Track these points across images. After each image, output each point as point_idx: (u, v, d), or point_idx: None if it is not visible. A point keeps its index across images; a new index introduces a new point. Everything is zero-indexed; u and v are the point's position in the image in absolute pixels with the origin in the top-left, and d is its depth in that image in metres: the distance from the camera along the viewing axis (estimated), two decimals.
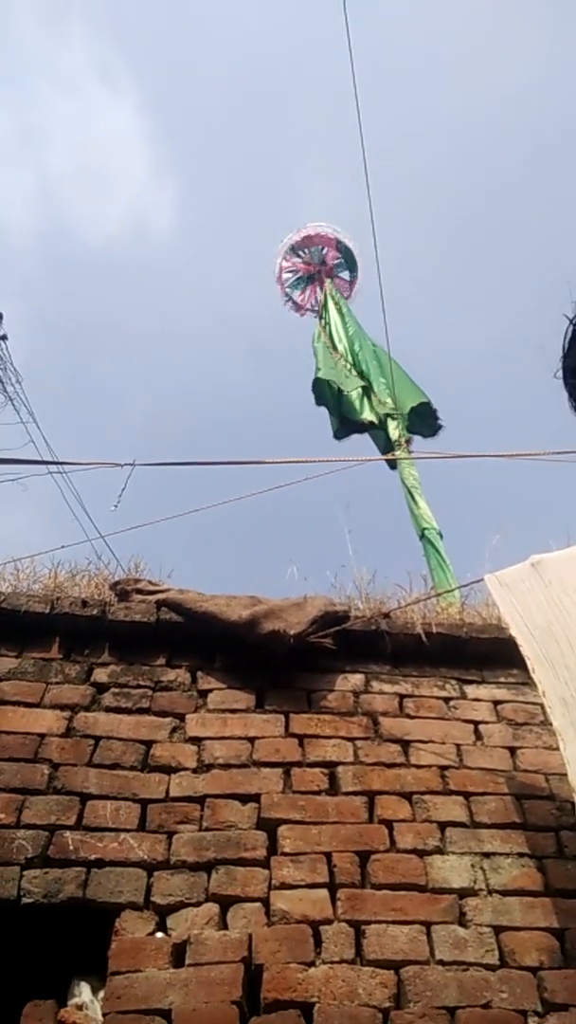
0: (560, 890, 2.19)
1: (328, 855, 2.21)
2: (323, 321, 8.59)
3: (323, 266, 9.85)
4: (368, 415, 7.25)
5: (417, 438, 7.20)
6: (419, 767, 2.48)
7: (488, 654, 2.85)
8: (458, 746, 2.57)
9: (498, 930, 2.09)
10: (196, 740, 2.50)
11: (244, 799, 2.34)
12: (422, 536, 6.03)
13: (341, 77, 5.77)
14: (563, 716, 2.17)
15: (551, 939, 2.08)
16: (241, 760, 2.45)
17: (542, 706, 2.39)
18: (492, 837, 2.31)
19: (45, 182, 29.42)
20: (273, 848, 2.23)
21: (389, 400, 7.14)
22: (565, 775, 2.13)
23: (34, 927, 2.10)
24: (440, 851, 2.25)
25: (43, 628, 2.79)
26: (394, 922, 2.08)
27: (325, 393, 7.57)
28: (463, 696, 2.76)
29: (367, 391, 7.39)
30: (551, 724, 2.23)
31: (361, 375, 7.60)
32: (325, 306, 8.85)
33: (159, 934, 2.04)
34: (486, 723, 2.67)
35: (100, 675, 2.69)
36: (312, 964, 1.98)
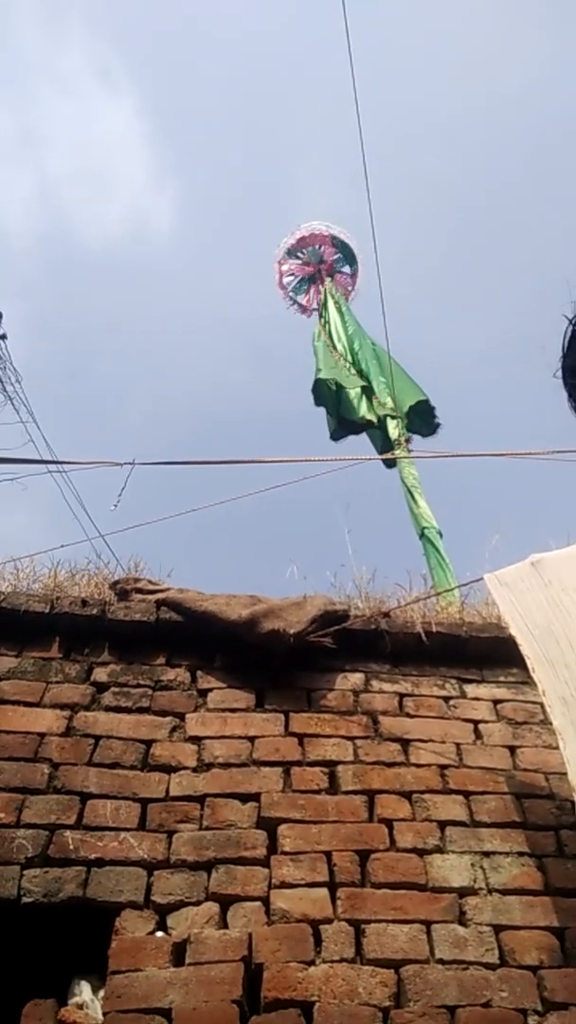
0: (560, 889, 2.19)
1: (328, 854, 2.21)
2: (323, 320, 8.59)
3: (322, 264, 9.85)
4: (367, 414, 7.25)
5: (416, 437, 7.20)
6: (419, 766, 2.48)
7: (488, 653, 2.85)
8: (458, 745, 2.57)
9: (498, 929, 2.09)
10: (196, 739, 2.50)
11: (244, 798, 2.34)
12: (422, 535, 6.03)
13: (341, 77, 5.78)
14: (563, 715, 2.18)
15: (551, 938, 2.08)
16: (241, 759, 2.45)
17: (542, 705, 2.39)
18: (492, 836, 2.31)
19: (45, 183, 29.45)
20: (273, 847, 2.23)
21: (389, 400, 7.14)
22: (565, 774, 2.13)
23: (34, 926, 2.10)
24: (440, 850, 2.25)
25: (43, 627, 2.79)
26: (394, 921, 2.08)
27: (325, 394, 7.57)
28: (463, 695, 2.76)
29: (366, 391, 7.39)
30: (551, 723, 2.23)
31: (361, 374, 7.60)
32: (325, 305, 8.86)
33: (159, 933, 2.04)
34: (486, 722, 2.67)
35: (100, 674, 2.69)
36: (312, 963, 1.98)
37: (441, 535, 5.98)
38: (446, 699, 2.74)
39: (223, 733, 2.53)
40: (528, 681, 2.58)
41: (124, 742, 2.47)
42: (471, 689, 2.79)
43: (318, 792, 2.38)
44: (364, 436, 7.58)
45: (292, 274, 10.05)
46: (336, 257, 9.90)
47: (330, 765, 2.46)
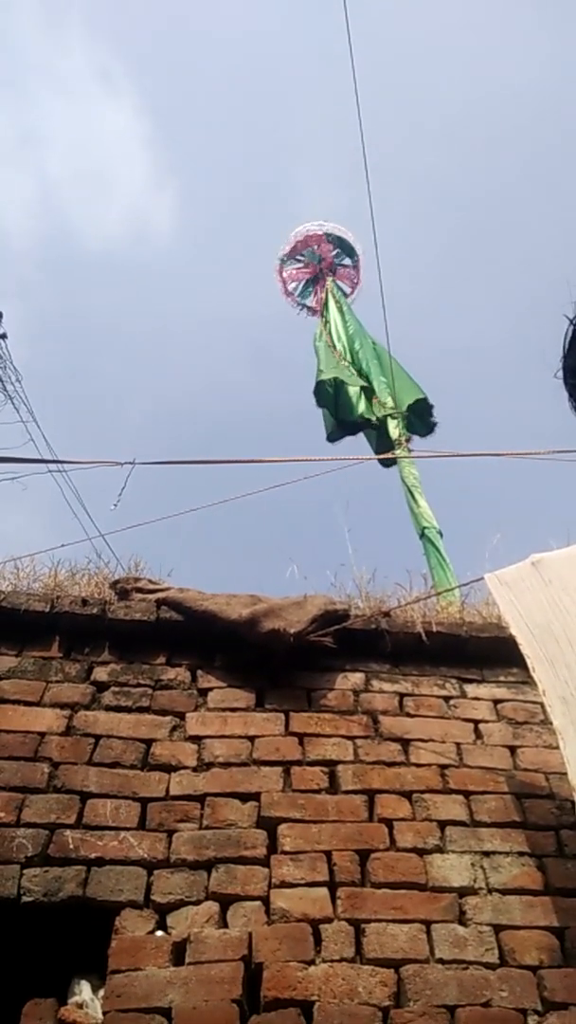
0: (560, 889, 2.19)
1: (328, 854, 2.21)
2: (324, 320, 8.59)
3: (322, 263, 9.84)
4: (365, 413, 7.26)
5: (415, 437, 7.20)
6: (419, 766, 2.48)
7: (488, 653, 2.85)
8: (458, 745, 2.57)
9: (498, 929, 2.09)
10: (196, 739, 2.50)
11: (244, 798, 2.34)
12: (422, 535, 6.03)
13: (341, 77, 5.78)
14: (563, 715, 2.17)
15: (551, 938, 2.08)
16: (241, 759, 2.45)
17: (542, 705, 2.39)
18: (492, 836, 2.31)
19: (45, 184, 29.44)
20: (273, 847, 2.23)
21: (389, 400, 7.14)
22: (565, 774, 2.13)
23: (34, 926, 2.10)
24: (440, 850, 2.25)
25: (43, 627, 2.79)
26: (394, 921, 2.08)
27: (325, 395, 7.57)
28: (463, 695, 2.76)
29: (366, 391, 7.39)
30: (551, 723, 2.23)
31: (361, 374, 7.60)
32: (326, 305, 8.85)
33: (159, 933, 2.04)
34: (486, 722, 2.67)
35: (100, 674, 2.69)
36: (312, 963, 1.98)
37: (441, 535, 5.97)
38: (446, 699, 2.74)
39: (223, 732, 2.53)
40: (528, 681, 2.57)
41: (124, 741, 2.47)
42: (471, 689, 2.79)
43: (318, 792, 2.38)
44: (361, 436, 7.58)
45: (296, 280, 10.02)
46: (334, 253, 9.89)
47: (330, 765, 2.46)
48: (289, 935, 2.03)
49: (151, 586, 2.98)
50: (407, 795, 2.39)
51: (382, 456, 6.75)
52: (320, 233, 9.94)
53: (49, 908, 2.07)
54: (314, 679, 2.74)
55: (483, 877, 2.20)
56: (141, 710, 2.58)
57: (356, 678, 2.78)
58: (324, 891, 2.14)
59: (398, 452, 6.60)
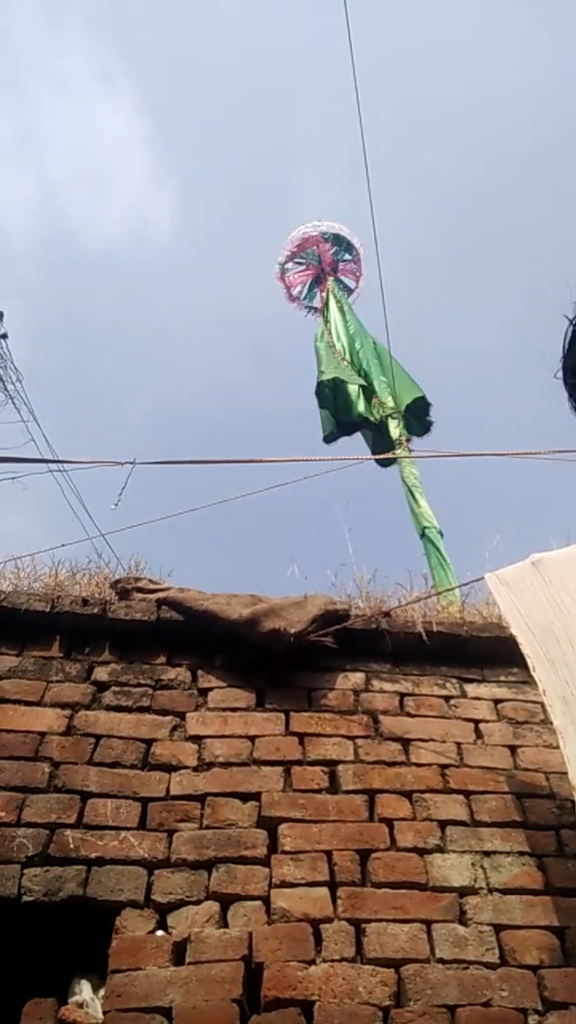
0: (560, 888, 2.19)
1: (328, 853, 2.21)
2: (325, 319, 8.59)
3: (323, 263, 9.84)
4: (363, 412, 7.26)
5: (414, 437, 7.19)
6: (419, 766, 2.48)
7: (488, 653, 2.85)
8: (458, 745, 2.57)
9: (498, 928, 2.09)
10: (196, 738, 2.50)
11: (244, 797, 2.34)
12: (423, 535, 6.03)
13: (341, 76, 5.77)
14: (563, 714, 2.17)
15: (551, 937, 2.08)
16: (241, 758, 2.45)
17: (542, 705, 2.39)
18: (492, 836, 2.31)
19: (45, 185, 29.43)
20: (273, 846, 2.23)
21: (390, 399, 7.14)
22: (565, 773, 2.13)
23: (34, 925, 2.10)
24: (440, 850, 2.25)
25: (44, 627, 2.79)
26: (394, 920, 2.08)
27: (326, 396, 7.56)
28: (463, 695, 2.76)
29: (366, 391, 7.39)
30: (551, 723, 2.23)
31: (361, 373, 7.60)
32: (327, 305, 8.85)
33: (159, 932, 2.04)
34: (486, 722, 2.67)
35: (101, 673, 2.69)
36: (312, 962, 1.98)
37: (442, 535, 5.97)
38: (447, 699, 2.74)
39: (224, 732, 2.53)
40: (529, 681, 2.58)
41: (125, 741, 2.47)
42: (472, 689, 2.79)
43: (319, 791, 2.38)
44: (359, 436, 7.58)
45: (299, 283, 10.00)
46: (333, 251, 9.88)
47: (331, 764, 2.46)
48: (289, 935, 2.03)
49: (151, 586, 2.98)
50: (407, 795, 2.39)
51: (383, 456, 6.74)
52: (316, 234, 9.94)
53: (49, 908, 2.07)
54: (314, 679, 2.75)
55: (483, 877, 2.20)
56: (141, 710, 2.58)
57: (356, 678, 2.78)
58: (324, 891, 2.14)
59: (398, 452, 6.60)
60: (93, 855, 2.15)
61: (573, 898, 2.17)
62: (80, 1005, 1.94)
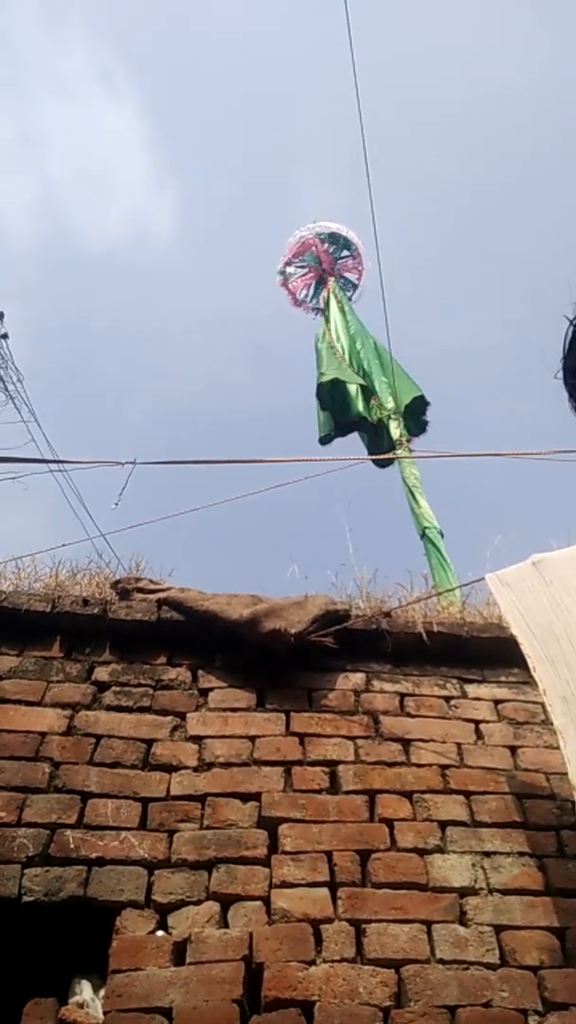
0: (561, 889, 2.19)
1: (329, 854, 2.21)
2: (326, 318, 8.59)
3: (322, 264, 9.84)
4: (362, 411, 7.26)
5: (420, 437, 7.20)
6: (420, 766, 2.48)
7: (489, 653, 2.85)
8: (459, 745, 2.57)
9: (499, 929, 2.09)
10: (197, 739, 2.50)
11: (245, 798, 2.34)
12: (423, 535, 6.02)
13: (341, 76, 5.77)
14: (564, 714, 2.17)
15: (552, 938, 2.08)
16: (242, 759, 2.45)
17: (543, 705, 2.39)
18: (493, 836, 2.31)
19: (45, 186, 29.42)
20: (274, 847, 2.23)
21: (390, 400, 7.14)
22: (566, 774, 2.13)
23: (35, 925, 2.10)
24: (441, 850, 2.25)
25: (44, 627, 2.79)
26: (395, 921, 2.08)
27: (325, 398, 7.56)
28: (464, 695, 2.76)
29: (365, 391, 7.39)
30: (552, 723, 2.23)
31: (361, 374, 7.60)
32: (327, 305, 8.85)
33: (160, 932, 2.04)
34: (487, 722, 2.67)
35: (101, 674, 2.69)
36: (313, 963, 1.98)
37: (442, 535, 5.97)
38: (447, 699, 2.74)
39: (224, 732, 2.53)
40: (529, 681, 2.58)
41: (125, 741, 2.47)
42: (472, 689, 2.79)
43: (319, 792, 2.38)
44: (355, 436, 7.57)
45: (303, 287, 10.00)
46: (331, 250, 9.89)
47: (331, 765, 2.46)
48: (290, 935, 2.03)
49: (152, 586, 2.99)
50: (408, 795, 2.39)
51: (383, 456, 6.75)
52: (312, 236, 9.94)
53: (50, 908, 2.07)
54: (315, 679, 2.75)
55: (484, 877, 2.20)
56: (142, 710, 2.58)
57: (357, 678, 2.78)
58: (325, 891, 2.14)
59: (398, 452, 6.60)
60: (93, 855, 2.15)
61: (573, 899, 2.17)
62: (80, 1005, 1.94)
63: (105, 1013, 1.89)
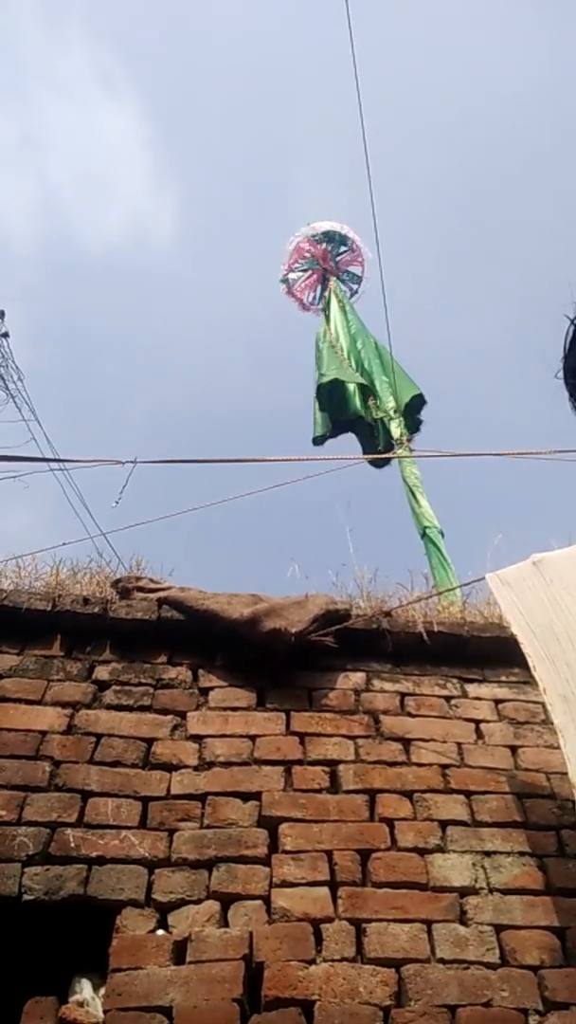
0: (561, 889, 2.19)
1: (329, 853, 2.21)
2: (326, 317, 8.59)
3: (322, 264, 9.85)
4: (359, 410, 7.26)
5: (419, 437, 7.20)
6: (420, 765, 2.48)
7: (489, 653, 2.85)
8: (459, 745, 2.57)
9: (499, 929, 2.09)
10: (197, 738, 2.50)
11: (245, 797, 2.34)
12: (423, 535, 6.02)
13: (341, 77, 5.77)
14: (564, 713, 2.18)
15: (552, 938, 2.08)
16: (242, 758, 2.45)
17: (543, 705, 2.38)
18: (493, 836, 2.31)
19: (46, 188, 29.40)
20: (274, 846, 2.23)
21: (391, 399, 7.14)
22: (566, 774, 2.13)
23: (35, 924, 2.10)
24: (441, 850, 2.25)
25: (44, 626, 2.79)
26: (395, 920, 2.08)
27: (324, 398, 7.55)
28: (464, 695, 2.76)
29: (364, 390, 7.39)
30: (552, 723, 2.23)
31: (361, 373, 7.60)
32: (328, 304, 8.85)
33: (160, 931, 2.04)
34: (487, 722, 2.67)
35: (101, 673, 2.69)
36: (313, 962, 1.98)
37: (443, 535, 5.96)
38: (447, 699, 2.74)
39: (224, 732, 2.53)
40: (529, 681, 2.58)
41: (125, 740, 2.47)
42: (472, 689, 2.79)
43: (319, 791, 2.38)
44: (350, 436, 7.57)
45: (308, 290, 10.00)
46: (328, 248, 9.90)
47: (331, 764, 2.46)
48: (290, 934, 2.03)
49: (152, 585, 2.99)
50: (408, 795, 2.39)
51: (384, 456, 6.75)
52: (305, 239, 9.97)
53: (50, 907, 2.07)
54: (315, 679, 2.75)
55: (484, 877, 2.20)
56: (142, 709, 2.58)
57: (357, 678, 2.78)
58: (325, 890, 2.14)
59: (399, 452, 6.61)
60: (94, 854, 2.15)
61: (574, 898, 2.17)
62: (81, 1004, 1.94)
63: (105, 1012, 1.89)
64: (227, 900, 2.11)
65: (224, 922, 2.06)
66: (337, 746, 2.52)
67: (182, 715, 2.58)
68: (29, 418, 9.28)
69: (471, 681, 2.81)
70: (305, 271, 10.02)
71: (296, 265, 10.00)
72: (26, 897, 2.06)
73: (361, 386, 7.41)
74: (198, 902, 2.09)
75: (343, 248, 9.89)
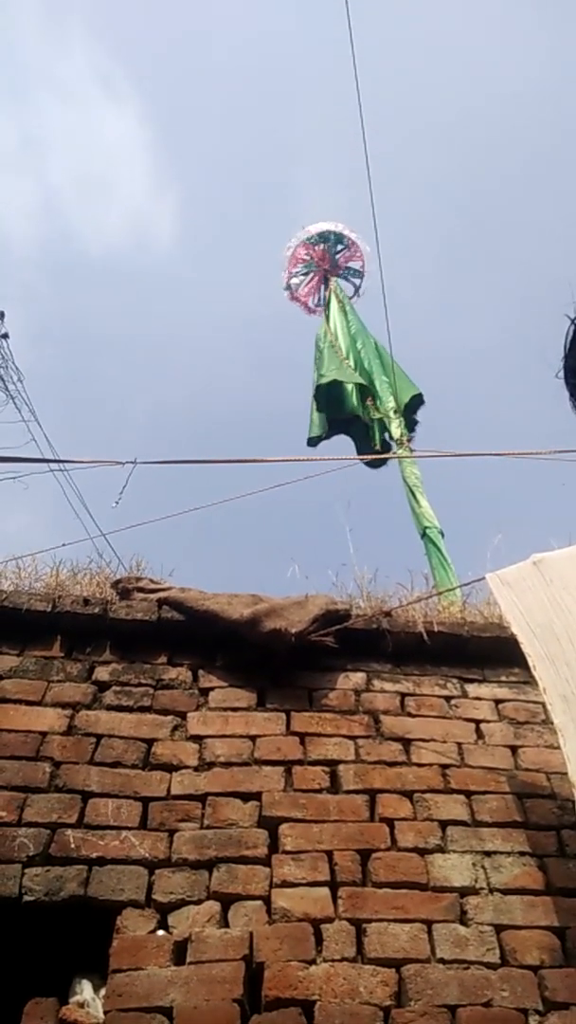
0: (561, 889, 2.19)
1: (329, 853, 2.21)
2: (326, 317, 8.59)
3: (322, 264, 9.86)
4: (356, 410, 7.26)
5: (417, 437, 7.20)
6: (420, 766, 2.48)
7: (489, 653, 2.85)
8: (459, 745, 2.57)
9: (499, 929, 2.09)
10: (197, 738, 2.50)
11: (245, 797, 2.34)
12: (423, 535, 6.03)
13: (341, 77, 5.78)
14: (564, 712, 2.18)
15: (552, 938, 2.08)
16: (242, 758, 2.45)
17: (543, 705, 2.38)
18: (493, 836, 2.31)
19: (46, 190, 29.39)
20: (274, 846, 2.23)
21: (391, 400, 7.14)
22: (566, 774, 2.13)
23: (35, 925, 2.10)
24: (441, 850, 2.25)
25: (45, 626, 2.79)
26: (395, 920, 2.08)
27: (322, 399, 7.55)
28: (464, 695, 2.76)
29: (363, 390, 7.39)
30: (552, 723, 2.23)
31: (361, 373, 7.60)
32: (329, 305, 8.86)
33: (160, 932, 2.04)
34: (487, 722, 2.67)
35: (102, 673, 2.69)
36: (313, 962, 1.98)
37: (443, 535, 5.97)
38: (448, 699, 2.74)
39: (224, 732, 2.53)
40: (530, 681, 2.58)
41: (125, 741, 2.47)
42: (473, 689, 2.79)
43: (319, 791, 2.38)
44: (347, 439, 7.56)
45: (312, 293, 10.02)
46: (325, 248, 9.92)
47: (331, 764, 2.46)
48: (290, 935, 2.03)
49: (152, 586, 2.99)
50: (408, 795, 2.39)
51: (384, 456, 6.75)
52: (301, 244, 10.00)
53: (50, 907, 2.07)
54: (315, 679, 2.75)
55: (484, 877, 2.20)
56: (142, 710, 2.58)
57: (357, 678, 2.78)
58: (325, 891, 2.14)
59: (399, 452, 6.61)
60: (94, 855, 2.15)
61: (574, 898, 2.17)
62: (81, 1005, 1.94)
63: (105, 1013, 1.89)
64: (227, 900, 2.11)
65: (224, 922, 2.06)
66: (337, 746, 2.52)
67: (182, 715, 2.58)
68: (29, 419, 9.27)
69: (471, 681, 2.81)
70: (306, 275, 10.05)
71: (296, 270, 10.04)
72: (26, 898, 2.06)
73: (359, 386, 7.41)
74: (198, 902, 2.09)
75: (340, 246, 9.91)
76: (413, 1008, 1.90)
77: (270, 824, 2.28)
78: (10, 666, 2.67)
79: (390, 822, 2.31)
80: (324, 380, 7.54)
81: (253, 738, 2.52)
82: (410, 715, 2.66)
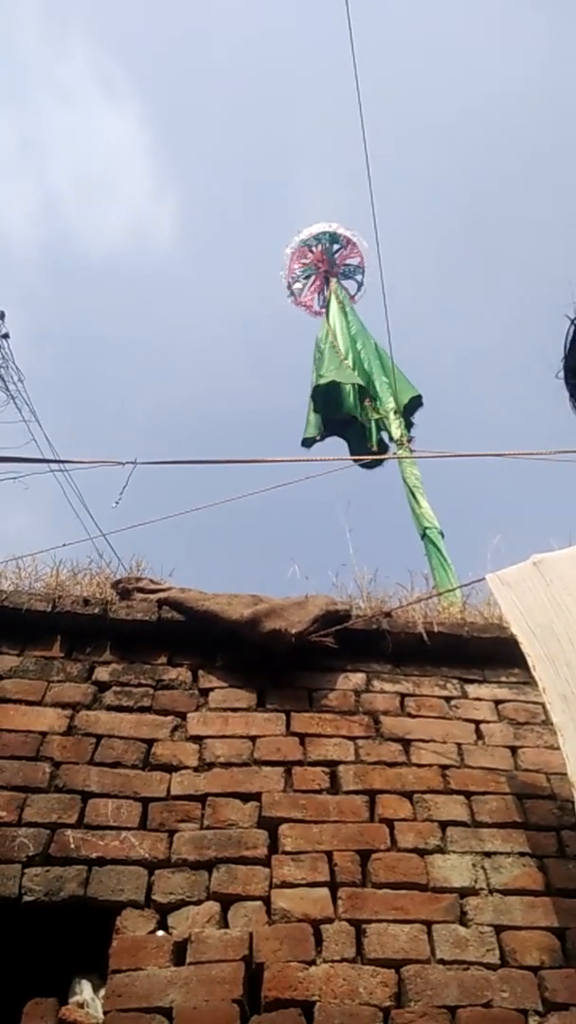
0: (561, 889, 2.19)
1: (329, 854, 2.21)
2: (327, 318, 8.59)
3: (321, 266, 9.87)
4: (352, 410, 7.26)
5: (416, 437, 7.20)
6: (420, 766, 2.48)
7: (489, 653, 2.85)
8: (459, 745, 2.57)
9: (499, 929, 2.09)
10: (197, 739, 2.50)
11: (245, 798, 2.34)
12: (424, 535, 6.03)
13: (341, 77, 5.78)
14: (563, 712, 2.17)
15: (552, 938, 2.08)
16: (242, 759, 2.45)
17: (543, 705, 2.38)
18: (493, 836, 2.31)
19: (47, 191, 29.40)
20: (274, 847, 2.23)
21: (391, 400, 7.14)
22: (566, 774, 2.13)
23: (35, 925, 2.10)
24: (441, 850, 2.25)
25: (45, 626, 2.79)
26: (395, 921, 2.08)
27: (320, 400, 7.54)
28: (464, 695, 2.76)
29: (362, 391, 7.39)
30: (552, 723, 2.23)
31: (361, 374, 7.60)
32: (328, 305, 8.86)
33: (160, 932, 2.04)
34: (487, 722, 2.67)
35: (101, 673, 2.69)
36: (313, 963, 1.98)
37: (443, 535, 5.97)
38: (447, 699, 2.74)
39: (224, 732, 2.53)
40: (529, 681, 2.57)
41: (125, 741, 2.47)
42: (472, 689, 2.79)
43: (319, 792, 2.38)
44: (342, 441, 7.56)
45: (315, 295, 10.02)
46: (322, 249, 9.92)
47: (331, 765, 2.46)
48: (290, 935, 2.03)
49: (152, 586, 2.98)
50: (408, 795, 2.39)
51: (384, 456, 6.75)
52: (296, 249, 10.02)
53: (50, 908, 2.07)
54: (315, 679, 2.74)
55: (484, 877, 2.20)
56: (142, 710, 2.58)
57: (357, 678, 2.78)
58: (325, 891, 2.14)
59: (399, 452, 6.61)
60: (94, 855, 2.15)
61: (574, 899, 2.17)
62: (81, 1005, 1.94)
63: (105, 1013, 1.89)
64: (227, 901, 2.11)
65: (224, 923, 2.06)
66: (337, 747, 2.52)
67: (182, 716, 2.58)
68: (29, 419, 9.27)
69: (471, 682, 2.81)
70: (308, 278, 10.05)
71: (296, 274, 10.05)
72: (26, 898, 2.06)
73: (357, 387, 7.41)
74: (198, 903, 2.09)
75: (336, 246, 9.93)
76: (413, 1009, 1.90)
77: (270, 824, 2.28)
78: (10, 666, 2.67)
79: (390, 823, 2.31)
80: (322, 381, 7.53)
81: (253, 738, 2.52)
82: (410, 716, 2.66)
